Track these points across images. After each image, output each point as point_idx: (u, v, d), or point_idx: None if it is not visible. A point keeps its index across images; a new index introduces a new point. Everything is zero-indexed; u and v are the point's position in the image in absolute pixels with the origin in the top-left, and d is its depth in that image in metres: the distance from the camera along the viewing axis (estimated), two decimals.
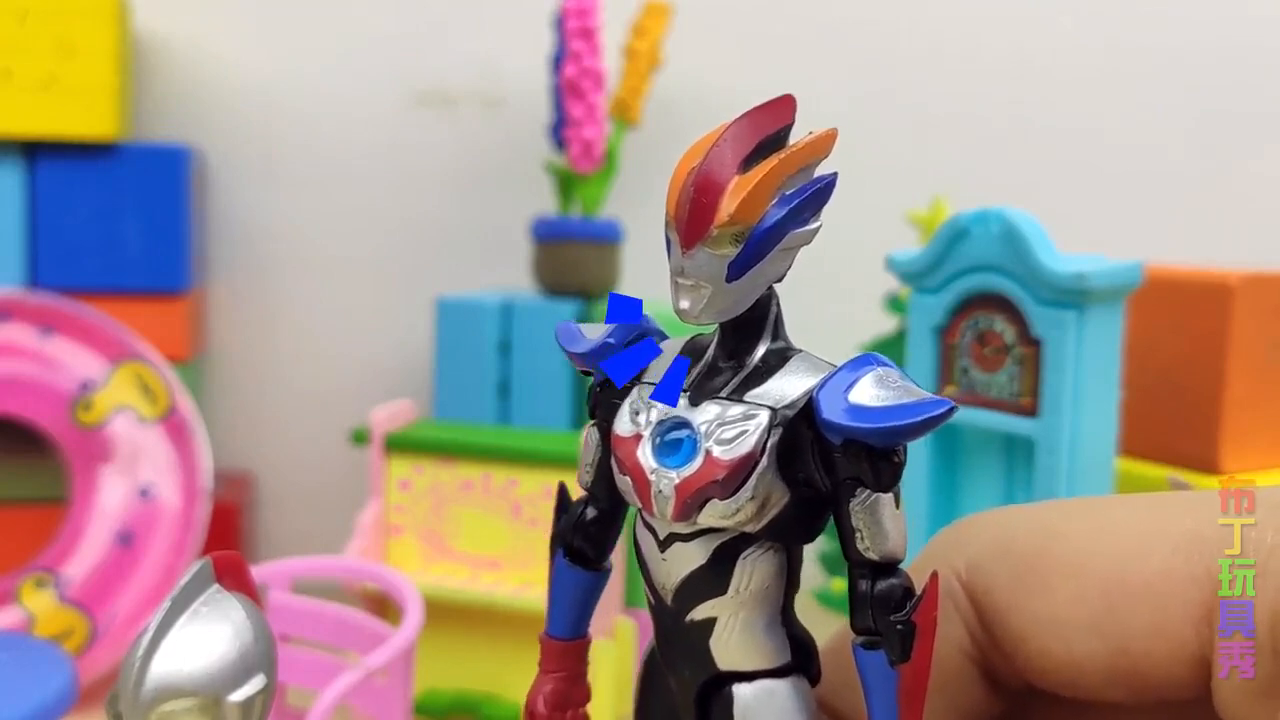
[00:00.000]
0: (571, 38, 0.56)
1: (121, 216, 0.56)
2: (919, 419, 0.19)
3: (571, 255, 0.58)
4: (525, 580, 0.49)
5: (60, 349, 0.53)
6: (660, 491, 0.21)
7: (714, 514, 0.20)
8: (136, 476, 0.52)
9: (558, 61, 0.57)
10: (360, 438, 0.51)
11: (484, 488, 0.50)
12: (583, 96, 0.56)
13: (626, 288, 0.59)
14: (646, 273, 0.60)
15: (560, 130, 0.57)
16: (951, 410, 0.20)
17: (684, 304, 0.21)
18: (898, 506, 0.20)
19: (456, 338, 0.57)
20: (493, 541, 0.50)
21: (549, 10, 0.58)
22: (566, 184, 0.58)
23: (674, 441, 0.21)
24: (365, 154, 0.64)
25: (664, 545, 0.21)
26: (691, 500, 0.20)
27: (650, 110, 0.60)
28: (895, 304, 0.55)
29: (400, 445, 0.51)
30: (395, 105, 0.64)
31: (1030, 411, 0.37)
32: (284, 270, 0.64)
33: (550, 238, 0.58)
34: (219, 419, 0.62)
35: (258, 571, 0.43)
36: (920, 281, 0.40)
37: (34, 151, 0.56)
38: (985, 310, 0.38)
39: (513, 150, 0.64)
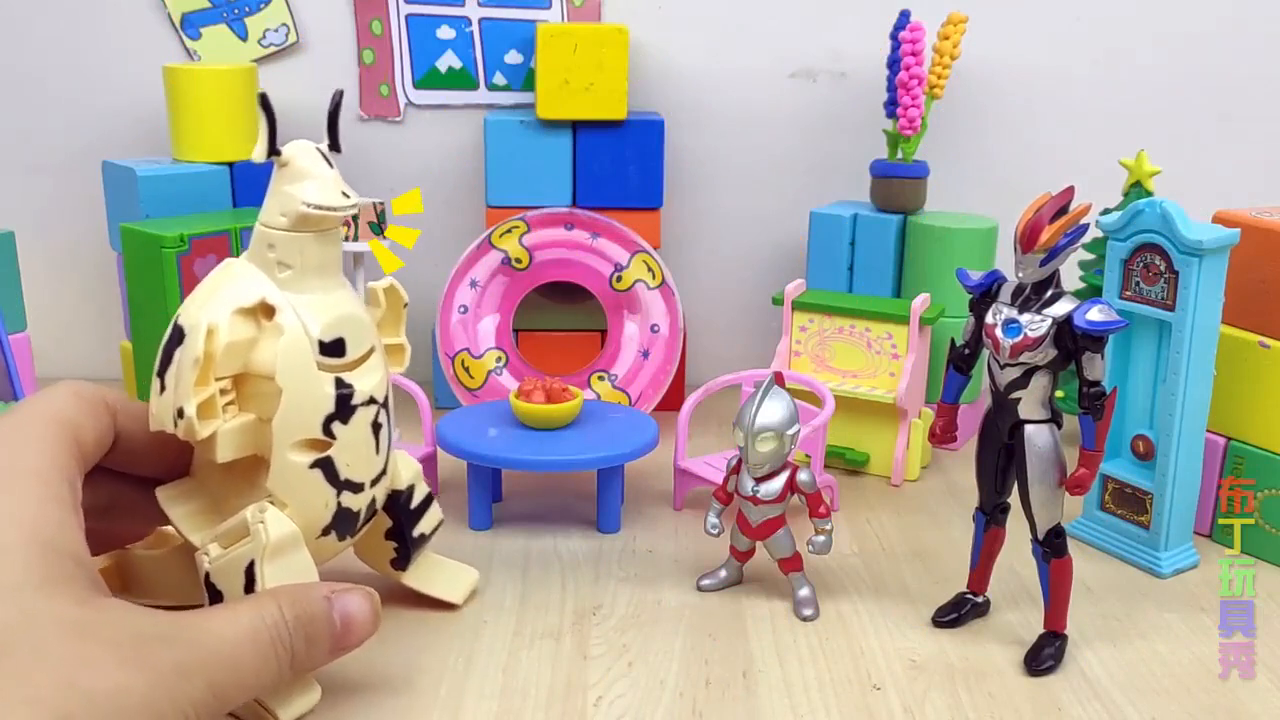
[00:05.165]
0: (904, 53, 0.88)
1: (625, 162, 0.94)
2: (1114, 327, 0.54)
3: (895, 186, 0.91)
4: (873, 385, 0.86)
5: (603, 245, 0.92)
6: (1005, 346, 0.56)
7: (1026, 357, 0.56)
8: (648, 319, 0.92)
9: (894, 65, 0.90)
10: (777, 300, 0.89)
11: (848, 331, 0.87)
12: (909, 90, 0.89)
13: (929, 205, 0.94)
14: (940, 196, 0.95)
15: (892, 108, 0.91)
16: (1127, 325, 0.55)
17: (1021, 275, 0.56)
18: (1102, 359, 0.55)
19: (823, 236, 0.93)
20: (853, 362, 0.87)
21: (881, 13, 0.90)
22: (894, 141, 0.92)
23: (1012, 326, 0.57)
24: (759, 111, 1.00)
25: (1003, 368, 0.57)
26: (1017, 349, 0.56)
27: (950, 87, 0.93)
28: (1092, 248, 0.88)
29: (799, 305, 0.87)
30: (776, 78, 0.99)
31: (1170, 307, 0.70)
32: (710, 189, 1.01)
33: (882, 174, 0.92)
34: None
35: (749, 373, 0.81)
36: (1115, 234, 0.72)
37: (577, 126, 0.93)
38: (1150, 252, 0.71)
39: (855, 111, 0.98)
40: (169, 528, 0.58)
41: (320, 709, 0.52)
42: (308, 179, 0.50)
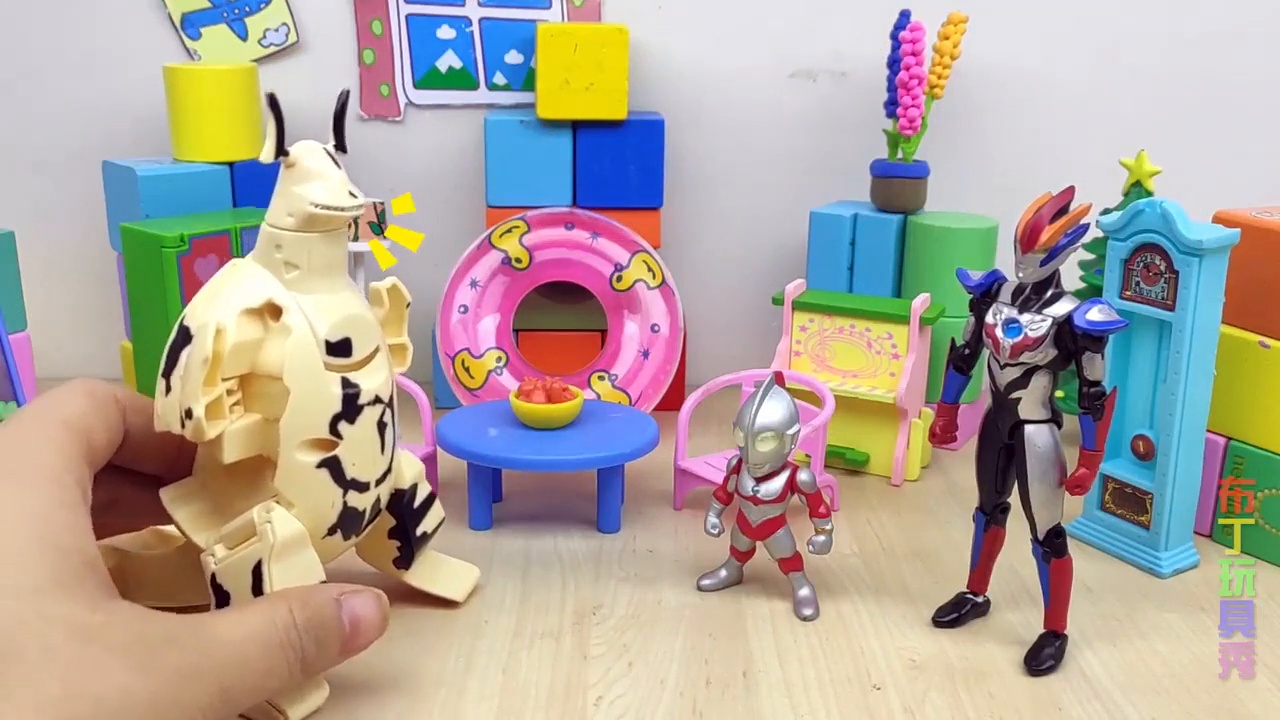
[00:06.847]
0: (905, 53, 0.88)
1: (625, 162, 0.93)
2: (1115, 327, 0.54)
3: (896, 186, 0.91)
4: (873, 384, 0.86)
5: (603, 244, 0.92)
6: (1005, 346, 0.57)
7: (1027, 357, 0.56)
8: (648, 318, 0.92)
9: (894, 65, 0.90)
10: (777, 300, 0.89)
11: (849, 330, 0.87)
12: (909, 90, 0.89)
13: (929, 206, 0.94)
14: (940, 196, 0.95)
15: (892, 108, 0.91)
16: (1127, 325, 0.55)
17: (1021, 275, 0.56)
18: (1102, 359, 0.55)
19: (823, 236, 0.93)
20: (853, 361, 0.87)
21: (882, 13, 0.90)
22: (894, 141, 0.92)
23: (1012, 326, 0.57)
24: (759, 111, 1.00)
25: (1003, 368, 0.57)
26: (1017, 349, 0.56)
27: (950, 87, 0.93)
28: (1092, 248, 0.88)
29: (800, 305, 0.87)
30: (776, 78, 0.99)
31: (1170, 307, 0.70)
32: (710, 189, 1.01)
33: (883, 174, 0.92)
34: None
35: (749, 373, 0.81)
36: (1115, 234, 0.72)
37: (577, 126, 0.93)
38: (1150, 252, 0.71)
39: (855, 111, 0.98)
40: (166, 528, 0.58)
41: (324, 707, 0.53)
42: (315, 179, 0.50)
